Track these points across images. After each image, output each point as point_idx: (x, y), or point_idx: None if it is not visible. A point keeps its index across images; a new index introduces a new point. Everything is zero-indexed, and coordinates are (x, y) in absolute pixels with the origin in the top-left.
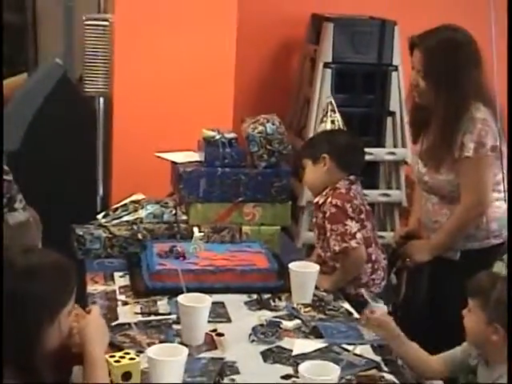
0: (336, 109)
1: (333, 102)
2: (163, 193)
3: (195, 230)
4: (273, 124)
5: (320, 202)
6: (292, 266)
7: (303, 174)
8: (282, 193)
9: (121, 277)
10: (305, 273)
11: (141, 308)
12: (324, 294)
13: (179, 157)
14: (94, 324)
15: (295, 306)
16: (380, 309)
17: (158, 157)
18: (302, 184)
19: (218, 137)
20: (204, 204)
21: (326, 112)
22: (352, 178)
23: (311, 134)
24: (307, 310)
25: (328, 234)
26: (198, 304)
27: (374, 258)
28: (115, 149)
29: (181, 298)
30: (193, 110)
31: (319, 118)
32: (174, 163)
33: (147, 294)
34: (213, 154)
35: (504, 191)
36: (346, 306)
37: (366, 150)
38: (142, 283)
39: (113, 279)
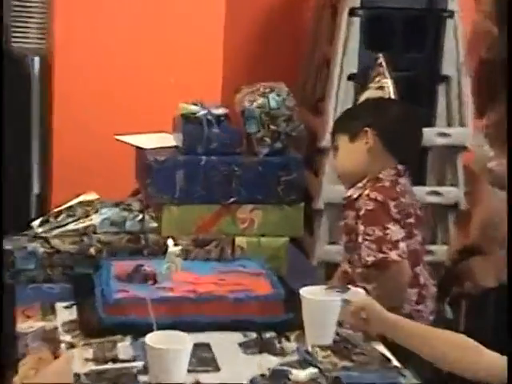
0: (387, 73)
1: (383, 62)
2: (125, 191)
3: (169, 242)
4: (278, 95)
5: (354, 197)
6: (305, 292)
7: (335, 155)
8: (291, 191)
9: (65, 308)
10: (323, 302)
11: (93, 352)
12: (350, 331)
13: (147, 140)
14: (49, 378)
15: (310, 348)
16: (354, 293)
17: (118, 140)
18: (319, 179)
19: (201, 112)
20: (182, 206)
21: (375, 76)
22: (400, 167)
23: (331, 109)
24: (326, 354)
25: (360, 239)
26: (173, 346)
27: (422, 280)
28: (56, 128)
29: (150, 338)
30: (166, 75)
31: (343, 86)
32: (139, 149)
33: (102, 333)
34: (194, 136)
35: None
36: (381, 348)
37: None
38: (94, 317)
39: (54, 312)
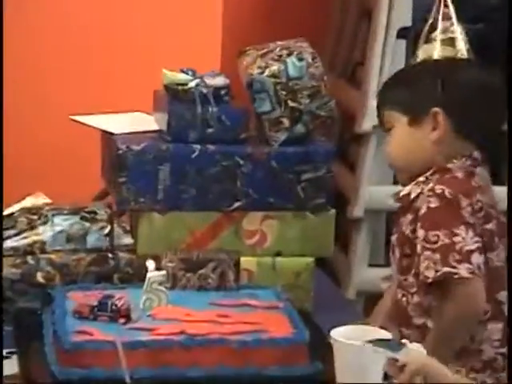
0: (454, 15)
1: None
2: (86, 193)
3: (149, 264)
4: (299, 59)
5: (412, 196)
6: (338, 334)
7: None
8: (317, 193)
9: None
10: (362, 348)
11: None
12: None
13: (117, 122)
14: None
15: None
16: (409, 352)
17: (75, 122)
18: (358, 176)
19: (193, 84)
20: (167, 214)
21: (435, 20)
22: (477, 155)
23: (375, 77)
24: None
25: (419, 248)
26: None
27: (506, 311)
28: None
29: None
30: (146, 34)
31: (391, 45)
32: (106, 135)
33: None
34: (184, 117)
35: None
36: None
37: None
38: (44, 370)
39: None
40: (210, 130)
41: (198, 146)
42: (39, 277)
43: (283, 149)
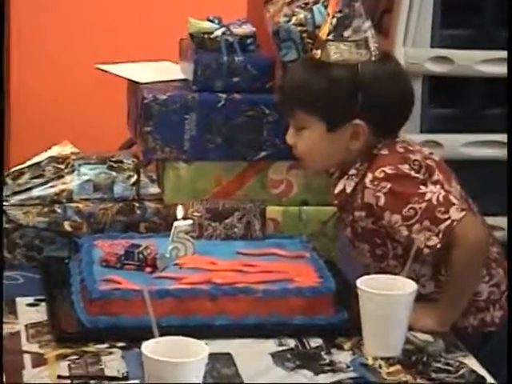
0: (364, 12)
1: None
2: (113, 142)
3: (179, 211)
4: (325, 6)
5: (349, 191)
6: (364, 283)
7: (295, 133)
8: None
9: (30, 306)
10: (389, 297)
11: (70, 367)
12: (428, 337)
13: (143, 71)
14: None
15: (369, 361)
16: None
17: (100, 71)
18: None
19: (219, 32)
20: (193, 164)
21: (345, 16)
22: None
23: (402, 25)
24: (393, 370)
25: (404, 232)
26: (182, 358)
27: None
28: (14, 54)
29: (148, 347)
30: None
31: None
32: (132, 84)
33: (82, 340)
34: (210, 66)
35: None
36: (472, 363)
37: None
38: (71, 318)
39: (14, 311)
40: (235, 79)
41: (224, 95)
42: (66, 225)
43: None
